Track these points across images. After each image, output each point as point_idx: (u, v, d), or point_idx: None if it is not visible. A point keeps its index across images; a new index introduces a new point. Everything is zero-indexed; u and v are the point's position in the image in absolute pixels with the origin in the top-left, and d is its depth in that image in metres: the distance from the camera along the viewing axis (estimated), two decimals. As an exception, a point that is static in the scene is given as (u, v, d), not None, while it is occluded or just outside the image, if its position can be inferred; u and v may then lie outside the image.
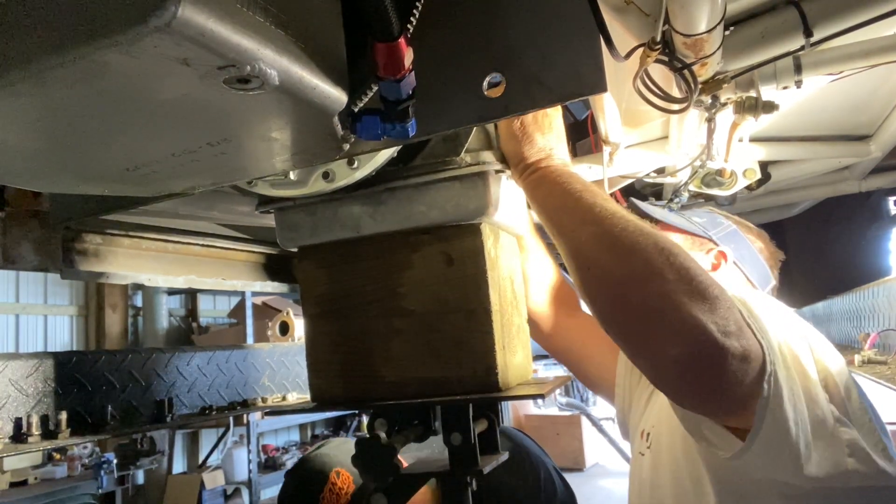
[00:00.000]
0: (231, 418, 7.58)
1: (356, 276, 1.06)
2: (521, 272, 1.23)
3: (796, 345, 1.01)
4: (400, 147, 0.93)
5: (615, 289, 0.91)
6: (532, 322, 1.76)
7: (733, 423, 0.95)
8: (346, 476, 1.43)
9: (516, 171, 1.08)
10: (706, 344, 0.83)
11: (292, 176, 0.97)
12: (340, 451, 1.57)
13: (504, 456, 1.04)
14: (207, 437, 8.87)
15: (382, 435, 0.91)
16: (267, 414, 1.14)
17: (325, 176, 0.97)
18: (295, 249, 1.11)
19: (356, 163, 0.95)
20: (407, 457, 1.05)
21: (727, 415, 0.94)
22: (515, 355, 1.07)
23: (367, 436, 0.92)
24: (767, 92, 1.40)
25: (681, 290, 0.85)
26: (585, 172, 1.89)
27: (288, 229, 1.09)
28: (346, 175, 0.96)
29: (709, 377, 0.86)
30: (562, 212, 1.00)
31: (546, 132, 1.07)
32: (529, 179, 1.06)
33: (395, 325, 1.02)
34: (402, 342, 1.01)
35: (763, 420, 0.89)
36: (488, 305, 0.97)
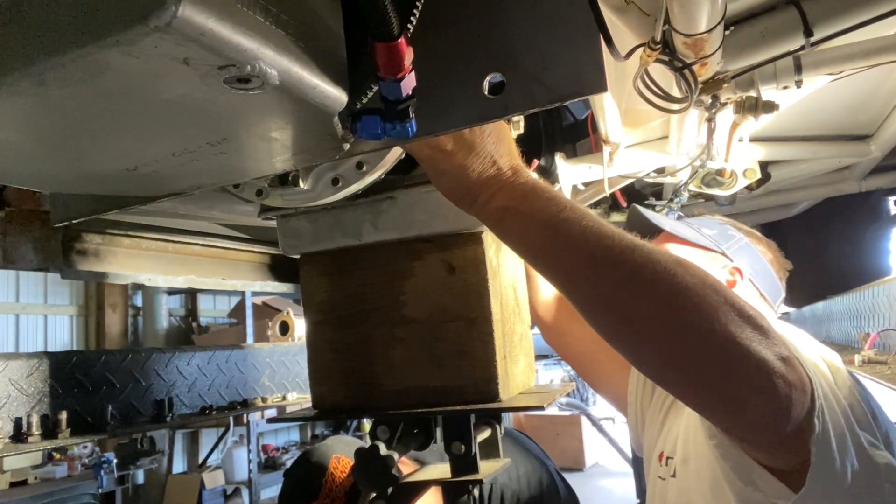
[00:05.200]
0: (231, 418, 7.58)
1: (358, 283, 1.06)
2: (530, 278, 1.22)
3: (823, 370, 1.01)
4: (402, 156, 0.93)
5: (670, 345, 0.79)
6: (544, 327, 1.76)
7: (780, 458, 0.92)
8: (346, 461, 1.44)
9: (467, 198, 0.84)
10: (778, 383, 0.79)
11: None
12: (340, 443, 1.58)
13: (506, 463, 1.05)
14: (207, 437, 8.88)
15: (382, 445, 0.91)
16: (269, 421, 1.15)
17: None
18: (297, 256, 1.11)
19: (340, 183, 0.94)
20: (410, 455, 1.06)
21: (779, 446, 0.91)
22: (517, 364, 1.07)
23: (367, 446, 0.93)
24: (767, 92, 1.40)
25: (742, 334, 0.77)
26: (585, 172, 1.89)
27: (290, 236, 1.09)
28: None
29: (777, 412, 0.83)
30: (558, 246, 0.81)
31: (489, 139, 0.83)
32: (492, 206, 0.83)
33: (396, 334, 1.02)
34: (403, 350, 1.01)
35: (819, 456, 0.87)
36: (489, 315, 0.97)
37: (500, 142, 0.83)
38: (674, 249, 1.48)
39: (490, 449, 1.04)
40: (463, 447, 0.96)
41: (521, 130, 1.11)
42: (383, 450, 0.90)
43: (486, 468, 0.98)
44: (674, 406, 1.40)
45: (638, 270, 0.77)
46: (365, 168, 0.92)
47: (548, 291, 1.72)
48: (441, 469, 1.02)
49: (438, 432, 1.02)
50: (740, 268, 1.44)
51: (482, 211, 0.84)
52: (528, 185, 0.83)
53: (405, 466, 1.07)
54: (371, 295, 1.04)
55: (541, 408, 0.94)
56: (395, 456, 0.91)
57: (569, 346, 1.74)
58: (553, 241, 0.81)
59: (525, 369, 1.11)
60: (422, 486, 0.99)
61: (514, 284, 1.13)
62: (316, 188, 0.94)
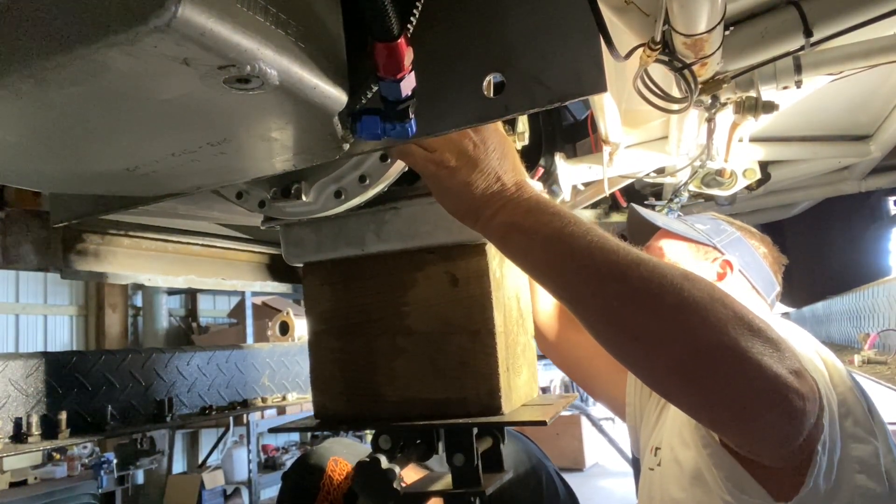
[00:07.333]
0: (231, 418, 7.58)
1: (361, 293, 1.05)
2: (529, 286, 1.22)
3: (819, 367, 1.01)
4: (406, 169, 0.93)
5: (677, 360, 0.77)
6: (540, 336, 1.76)
7: (781, 461, 0.93)
8: (343, 464, 1.43)
9: (471, 215, 0.84)
10: (792, 397, 0.78)
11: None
12: (338, 445, 1.58)
13: (508, 475, 1.04)
14: (207, 437, 8.88)
15: (383, 458, 0.90)
16: (271, 430, 1.14)
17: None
18: (300, 265, 1.11)
19: (342, 196, 0.94)
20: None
21: (788, 453, 0.90)
22: (520, 375, 1.06)
23: (367, 455, 0.92)
24: (767, 92, 1.40)
25: (753, 348, 0.75)
26: (585, 173, 1.89)
27: (293, 245, 1.09)
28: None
29: (792, 425, 0.82)
30: (562, 261, 0.80)
31: (493, 154, 0.82)
32: (496, 223, 0.82)
33: (399, 344, 1.01)
34: (405, 361, 1.01)
35: (822, 455, 0.88)
36: (492, 327, 0.96)
37: (504, 157, 0.83)
38: (667, 245, 1.50)
39: (492, 461, 1.04)
40: (465, 459, 0.95)
41: (526, 142, 1.11)
42: (384, 463, 0.90)
43: (488, 480, 0.98)
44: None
45: (644, 285, 0.76)
46: (368, 181, 0.91)
47: (544, 301, 1.73)
48: (445, 479, 1.01)
49: (440, 444, 1.02)
50: (731, 260, 1.45)
51: (486, 227, 0.84)
52: (532, 201, 0.82)
53: (410, 472, 1.06)
54: (374, 305, 1.04)
55: (543, 423, 0.92)
56: (396, 469, 0.90)
57: (566, 354, 1.75)
58: (558, 256, 0.80)
59: (528, 380, 1.11)
60: (423, 498, 0.98)
61: (517, 295, 1.12)
62: (318, 201, 0.94)
